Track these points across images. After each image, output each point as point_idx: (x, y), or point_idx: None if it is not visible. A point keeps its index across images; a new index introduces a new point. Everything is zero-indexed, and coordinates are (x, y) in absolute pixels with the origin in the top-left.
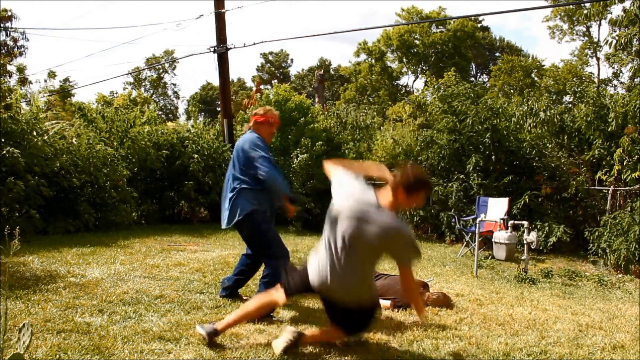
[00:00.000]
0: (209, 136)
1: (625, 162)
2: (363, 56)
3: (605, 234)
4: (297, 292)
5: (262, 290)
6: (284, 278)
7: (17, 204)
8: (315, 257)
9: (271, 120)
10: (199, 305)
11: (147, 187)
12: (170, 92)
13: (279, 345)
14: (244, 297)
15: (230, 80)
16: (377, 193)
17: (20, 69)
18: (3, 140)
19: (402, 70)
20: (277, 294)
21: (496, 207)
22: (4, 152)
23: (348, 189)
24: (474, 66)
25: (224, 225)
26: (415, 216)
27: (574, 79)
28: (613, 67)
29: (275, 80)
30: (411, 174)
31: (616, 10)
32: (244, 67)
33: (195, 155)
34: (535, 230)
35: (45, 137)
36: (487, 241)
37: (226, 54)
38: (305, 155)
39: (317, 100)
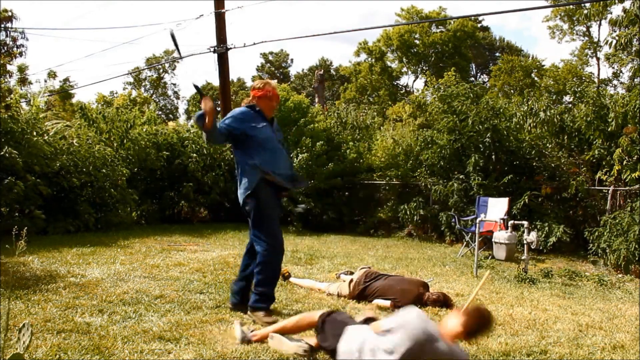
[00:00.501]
0: None
1: (625, 162)
2: (363, 56)
3: (605, 234)
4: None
5: (257, 283)
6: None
7: (16, 204)
8: (355, 343)
9: (269, 94)
10: (199, 305)
11: (147, 187)
12: (170, 92)
13: (287, 349)
14: None
15: (230, 80)
16: (439, 326)
17: (22, 69)
18: (3, 140)
19: (402, 70)
20: (317, 313)
21: (496, 207)
22: (3, 152)
23: (410, 315)
24: (474, 66)
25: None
26: (415, 216)
27: (574, 79)
28: (613, 67)
29: (275, 80)
30: (483, 323)
31: (616, 10)
32: (244, 67)
33: (194, 155)
34: (535, 230)
35: (46, 137)
36: (487, 241)
37: (226, 54)
38: (305, 154)
39: (317, 100)
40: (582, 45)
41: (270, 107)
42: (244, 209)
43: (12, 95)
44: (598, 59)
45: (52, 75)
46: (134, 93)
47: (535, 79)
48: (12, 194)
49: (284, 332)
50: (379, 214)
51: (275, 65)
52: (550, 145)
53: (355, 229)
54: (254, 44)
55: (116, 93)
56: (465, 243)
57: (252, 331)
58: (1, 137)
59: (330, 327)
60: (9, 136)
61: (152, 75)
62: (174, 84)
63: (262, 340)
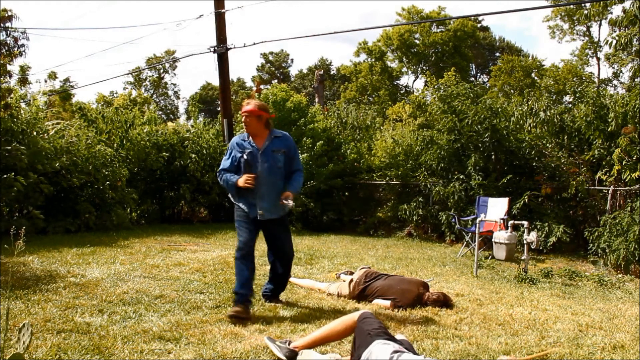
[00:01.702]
0: (208, 136)
1: (624, 162)
2: (363, 56)
3: (605, 234)
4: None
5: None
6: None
7: (17, 202)
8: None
9: (242, 114)
10: (199, 305)
11: (147, 187)
12: (170, 92)
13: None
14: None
15: (230, 80)
16: None
17: (24, 70)
18: (6, 138)
19: (402, 70)
20: (356, 315)
21: (496, 207)
22: (10, 147)
23: None
24: (474, 66)
25: None
26: (415, 216)
27: (574, 79)
28: (613, 67)
29: (275, 80)
30: None
31: (616, 11)
32: (244, 67)
33: (193, 155)
34: (535, 230)
35: (46, 137)
36: (487, 241)
37: (226, 54)
38: (305, 155)
39: (317, 100)
40: (582, 45)
41: (247, 126)
42: None
43: (12, 95)
44: (598, 59)
45: (52, 76)
46: (134, 93)
47: (535, 79)
48: (13, 191)
49: (328, 340)
50: (379, 214)
51: (275, 65)
52: (550, 145)
53: (355, 229)
54: (254, 44)
55: (116, 93)
56: (465, 243)
57: (287, 342)
58: (1, 136)
59: (357, 334)
60: (9, 135)
61: (153, 76)
62: (174, 84)
63: (309, 347)
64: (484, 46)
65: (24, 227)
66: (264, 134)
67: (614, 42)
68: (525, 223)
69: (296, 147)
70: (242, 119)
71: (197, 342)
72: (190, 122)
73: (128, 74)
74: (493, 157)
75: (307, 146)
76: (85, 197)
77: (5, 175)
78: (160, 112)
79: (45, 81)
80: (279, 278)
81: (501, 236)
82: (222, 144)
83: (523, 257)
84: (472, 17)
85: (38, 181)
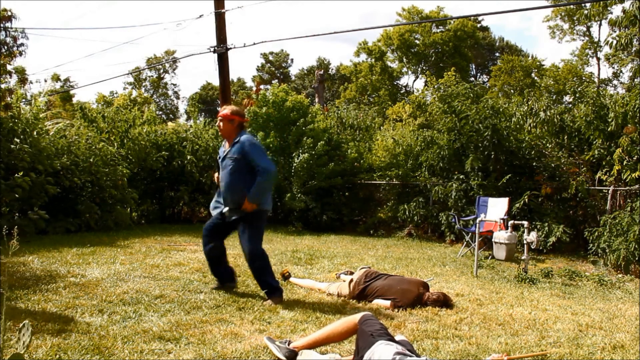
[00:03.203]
0: (208, 135)
1: (625, 162)
2: (363, 56)
3: (605, 234)
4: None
5: None
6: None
7: (19, 202)
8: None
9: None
10: (199, 305)
11: (147, 187)
12: (170, 92)
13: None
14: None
15: (230, 80)
16: None
17: (20, 72)
18: (7, 138)
19: (402, 70)
20: (357, 316)
21: (496, 207)
22: (13, 147)
23: None
24: (473, 66)
25: None
26: (415, 216)
27: (574, 79)
28: (613, 67)
29: (275, 80)
30: None
31: (616, 11)
32: (244, 67)
33: (190, 157)
34: (535, 230)
35: (47, 137)
36: (487, 241)
37: (226, 54)
38: (305, 155)
39: (317, 100)
40: (583, 45)
41: (220, 130)
42: None
43: (12, 95)
44: (598, 59)
45: (55, 77)
46: (134, 93)
47: (535, 79)
48: (18, 191)
49: (328, 341)
50: (379, 214)
51: (275, 65)
52: (550, 145)
53: (355, 229)
54: (254, 44)
55: (116, 93)
56: (465, 243)
57: (287, 342)
58: (2, 136)
59: (360, 336)
60: (10, 135)
61: (153, 76)
62: (174, 84)
63: (309, 347)
64: (483, 46)
65: (17, 227)
66: (233, 138)
67: (614, 42)
68: (525, 223)
69: (253, 148)
70: (219, 124)
71: (197, 342)
72: (190, 122)
73: (128, 74)
74: (493, 157)
75: (308, 146)
76: (85, 196)
77: (15, 175)
78: (160, 112)
79: (45, 81)
80: (256, 278)
81: (501, 236)
82: (221, 144)
83: (523, 257)
84: (472, 17)
85: (45, 182)
